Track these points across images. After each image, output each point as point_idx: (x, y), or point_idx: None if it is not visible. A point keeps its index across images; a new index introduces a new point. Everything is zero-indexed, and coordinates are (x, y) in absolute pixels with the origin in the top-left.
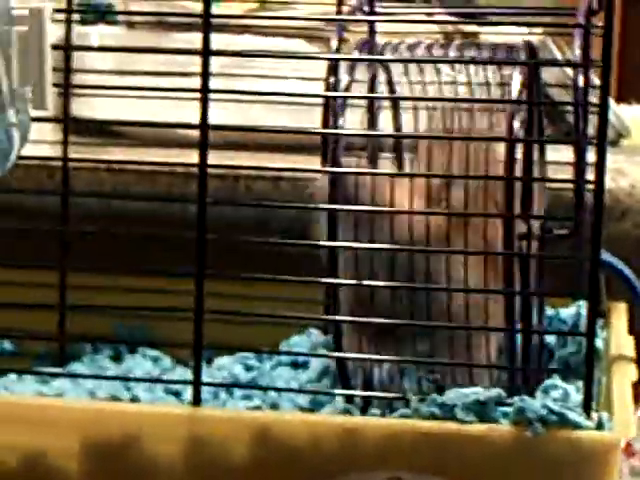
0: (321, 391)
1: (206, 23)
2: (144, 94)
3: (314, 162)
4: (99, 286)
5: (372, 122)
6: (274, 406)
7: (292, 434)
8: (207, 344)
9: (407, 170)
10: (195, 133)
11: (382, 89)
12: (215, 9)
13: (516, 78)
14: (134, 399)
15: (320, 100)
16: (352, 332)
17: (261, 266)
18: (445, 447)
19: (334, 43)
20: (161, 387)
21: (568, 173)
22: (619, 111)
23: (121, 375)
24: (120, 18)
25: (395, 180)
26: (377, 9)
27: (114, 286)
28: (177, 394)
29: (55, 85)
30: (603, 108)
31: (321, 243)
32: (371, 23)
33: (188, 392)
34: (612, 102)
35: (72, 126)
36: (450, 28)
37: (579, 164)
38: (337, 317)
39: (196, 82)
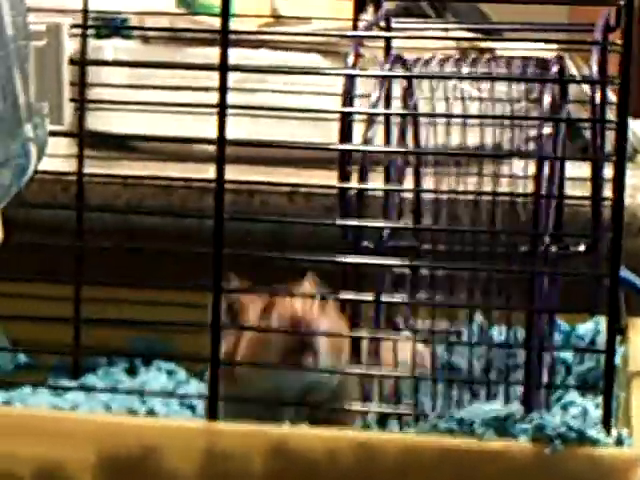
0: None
1: (224, 38)
2: (159, 109)
3: (329, 177)
4: (114, 299)
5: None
6: None
7: (308, 449)
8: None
9: None
10: (209, 148)
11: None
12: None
13: (547, 94)
14: (150, 412)
15: (335, 115)
16: None
17: (275, 280)
18: (463, 463)
19: (350, 59)
20: (176, 401)
21: (583, 189)
22: (635, 127)
23: (136, 388)
24: (135, 32)
25: None
26: (393, 24)
27: (129, 299)
28: (192, 408)
29: (71, 100)
30: (621, 125)
31: (337, 259)
32: (387, 39)
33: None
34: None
35: (87, 140)
36: (466, 44)
37: (596, 180)
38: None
39: (210, 97)
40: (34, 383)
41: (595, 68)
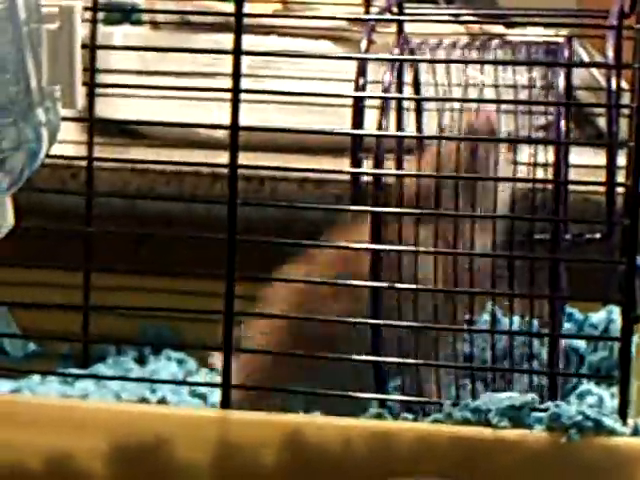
0: (354, 395)
1: (238, 22)
2: (170, 94)
3: (340, 163)
4: (123, 287)
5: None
6: None
7: (323, 438)
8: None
9: None
10: (220, 134)
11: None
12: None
13: (561, 79)
14: (161, 401)
15: (347, 101)
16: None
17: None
18: (479, 452)
19: (363, 44)
20: (186, 389)
21: (595, 176)
22: None
23: (146, 377)
24: (145, 18)
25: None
26: (405, 10)
27: (138, 287)
28: (203, 396)
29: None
30: (638, 110)
31: (351, 245)
32: (399, 23)
33: (214, 395)
34: None
35: (96, 127)
36: (477, 29)
37: (611, 167)
38: (375, 321)
39: (221, 83)
40: (43, 372)
41: (611, 54)
